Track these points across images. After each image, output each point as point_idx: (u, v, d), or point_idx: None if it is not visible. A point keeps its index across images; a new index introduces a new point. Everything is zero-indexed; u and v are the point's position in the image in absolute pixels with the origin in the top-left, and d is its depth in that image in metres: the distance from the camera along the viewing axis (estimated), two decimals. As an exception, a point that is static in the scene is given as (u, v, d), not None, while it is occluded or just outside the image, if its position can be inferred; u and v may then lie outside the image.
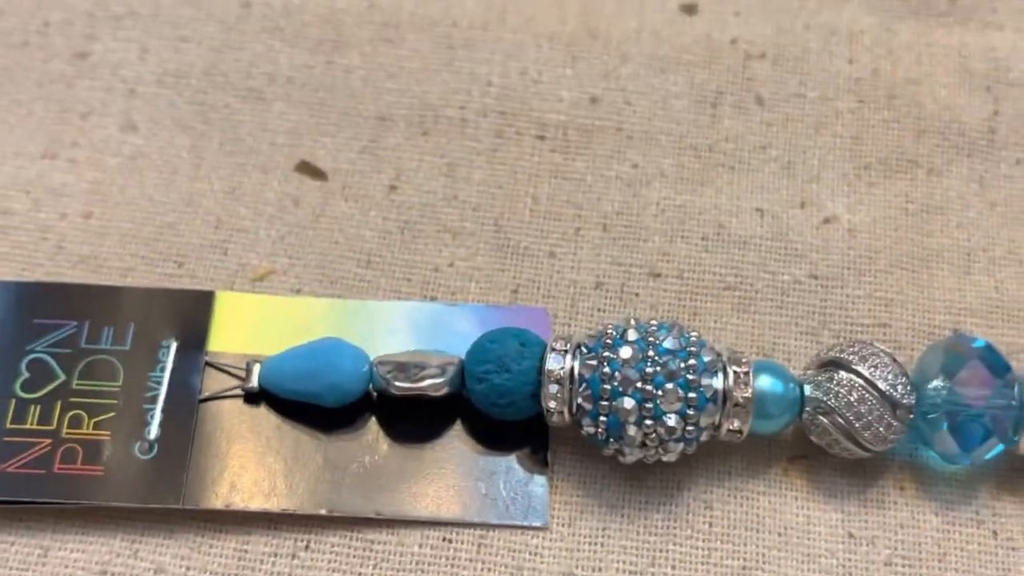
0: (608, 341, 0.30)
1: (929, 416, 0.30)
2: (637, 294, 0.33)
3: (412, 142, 0.36)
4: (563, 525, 0.30)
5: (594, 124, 0.36)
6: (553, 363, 0.30)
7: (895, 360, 0.30)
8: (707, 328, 0.33)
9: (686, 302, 0.33)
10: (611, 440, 0.29)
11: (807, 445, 0.31)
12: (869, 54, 0.37)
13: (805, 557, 0.30)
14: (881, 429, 0.30)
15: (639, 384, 0.29)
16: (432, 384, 0.30)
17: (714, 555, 0.30)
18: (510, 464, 0.31)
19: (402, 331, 0.32)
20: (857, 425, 0.29)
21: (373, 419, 0.31)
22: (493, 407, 0.30)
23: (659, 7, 0.38)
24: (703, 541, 0.30)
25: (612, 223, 0.34)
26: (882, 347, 0.30)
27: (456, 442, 0.31)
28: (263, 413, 0.31)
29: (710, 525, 0.30)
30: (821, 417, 0.30)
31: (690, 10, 0.38)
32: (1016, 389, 0.30)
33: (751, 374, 0.30)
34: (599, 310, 0.33)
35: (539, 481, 0.31)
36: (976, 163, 0.35)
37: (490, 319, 0.32)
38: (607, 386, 0.29)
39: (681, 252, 0.34)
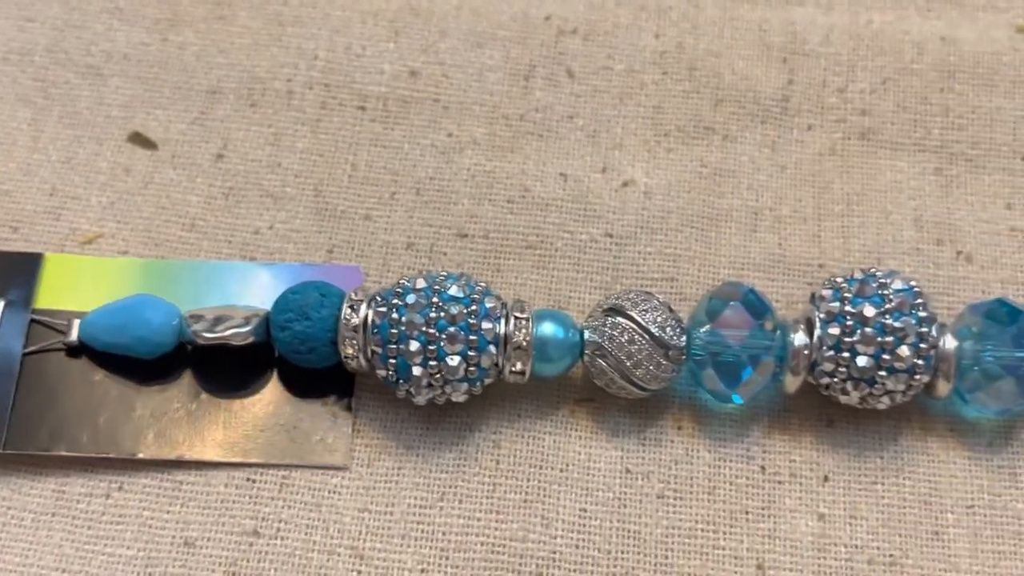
0: (399, 290, 0.32)
1: (696, 356, 0.32)
2: (445, 253, 0.36)
3: (240, 114, 0.38)
4: (362, 466, 0.33)
5: (413, 95, 0.38)
6: (349, 311, 0.32)
7: (669, 307, 0.33)
8: (508, 283, 0.35)
9: (490, 260, 0.36)
10: (400, 381, 0.32)
11: (594, 389, 0.33)
12: (675, 28, 0.39)
13: (583, 491, 0.32)
14: (652, 368, 0.32)
15: (423, 328, 0.31)
16: (236, 333, 0.33)
17: (498, 490, 0.32)
18: (316, 410, 0.33)
19: (219, 289, 0.34)
20: (629, 364, 0.32)
21: (189, 371, 0.34)
22: (296, 354, 0.32)
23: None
24: (489, 477, 0.32)
25: (425, 188, 0.37)
26: (659, 296, 0.33)
27: (268, 391, 0.33)
28: (84, 366, 0.33)
29: (497, 463, 0.32)
30: (599, 359, 0.32)
31: (509, -12, 0.40)
32: (778, 331, 0.32)
33: (532, 320, 0.32)
34: (409, 268, 0.35)
35: (342, 425, 0.33)
36: (769, 129, 0.38)
37: (304, 277, 0.34)
38: (395, 331, 0.31)
39: (488, 214, 0.36)
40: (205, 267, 0.35)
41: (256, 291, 0.34)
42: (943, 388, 0.32)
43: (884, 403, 0.32)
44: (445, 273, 0.32)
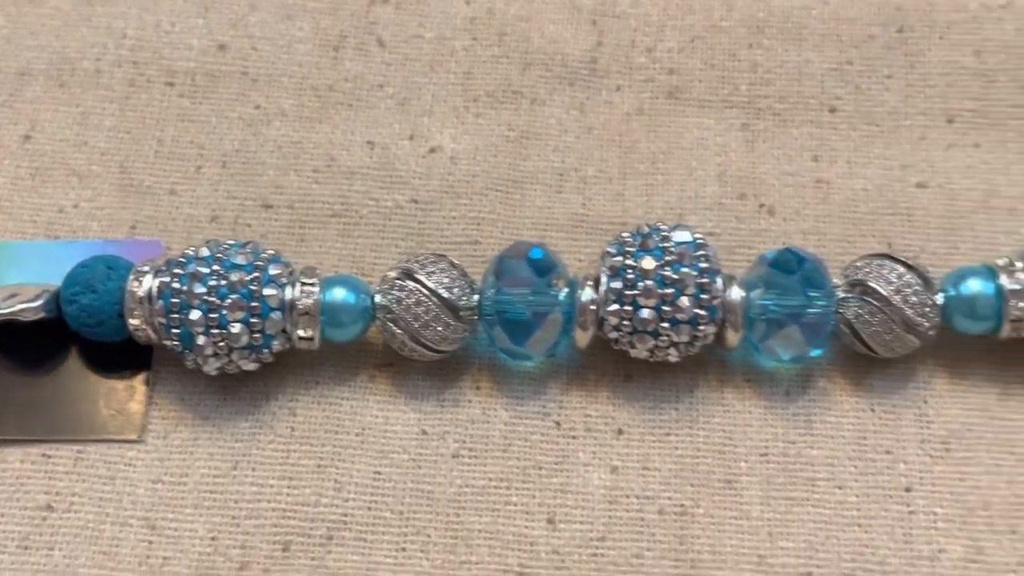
0: (182, 260, 0.32)
1: (487, 316, 0.32)
2: (250, 225, 0.36)
3: (49, 94, 0.37)
4: (158, 438, 0.33)
5: (221, 70, 0.38)
6: (134, 282, 0.32)
7: (461, 270, 0.33)
8: (312, 252, 0.35)
9: (295, 230, 0.35)
10: (186, 351, 0.32)
11: (395, 354, 0.33)
12: (487, -5, 0.40)
13: (378, 453, 0.32)
14: (441, 330, 0.32)
15: (205, 296, 0.31)
16: (26, 308, 0.32)
17: (292, 456, 0.32)
18: (113, 385, 0.33)
19: (21, 268, 0.34)
20: (418, 326, 0.32)
21: (-12, 349, 0.34)
22: (86, 328, 0.32)
23: (293, -41, 0.40)
24: (283, 444, 0.32)
25: (231, 160, 0.36)
26: (453, 259, 0.33)
27: (67, 367, 0.33)
28: None
29: (292, 429, 0.32)
30: (390, 323, 0.32)
31: (323, -39, 0.40)
32: (565, 288, 0.32)
33: (319, 286, 0.32)
34: (222, 238, 0.35)
35: (137, 398, 0.33)
36: (578, 91, 0.38)
37: (106, 253, 0.34)
38: (176, 300, 0.31)
39: (293, 184, 0.36)
40: (7, 247, 0.35)
41: (57, 270, 0.34)
42: (732, 338, 0.33)
43: (673, 355, 0.32)
44: (231, 242, 0.32)
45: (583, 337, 0.32)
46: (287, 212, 0.36)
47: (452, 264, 0.33)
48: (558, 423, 0.33)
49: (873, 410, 0.33)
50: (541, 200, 0.36)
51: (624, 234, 0.33)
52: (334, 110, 0.37)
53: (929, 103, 0.38)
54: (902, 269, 0.32)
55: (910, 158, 0.37)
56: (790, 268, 0.32)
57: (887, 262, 0.33)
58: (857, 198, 0.36)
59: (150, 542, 0.31)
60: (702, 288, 0.32)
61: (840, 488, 0.32)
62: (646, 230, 0.32)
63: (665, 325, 0.32)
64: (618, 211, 0.36)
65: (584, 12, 0.39)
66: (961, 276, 0.33)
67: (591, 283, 0.32)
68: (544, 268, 0.32)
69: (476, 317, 0.32)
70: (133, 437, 0.32)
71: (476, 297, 0.32)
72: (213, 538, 0.31)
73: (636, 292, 0.31)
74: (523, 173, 0.37)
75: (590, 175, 0.37)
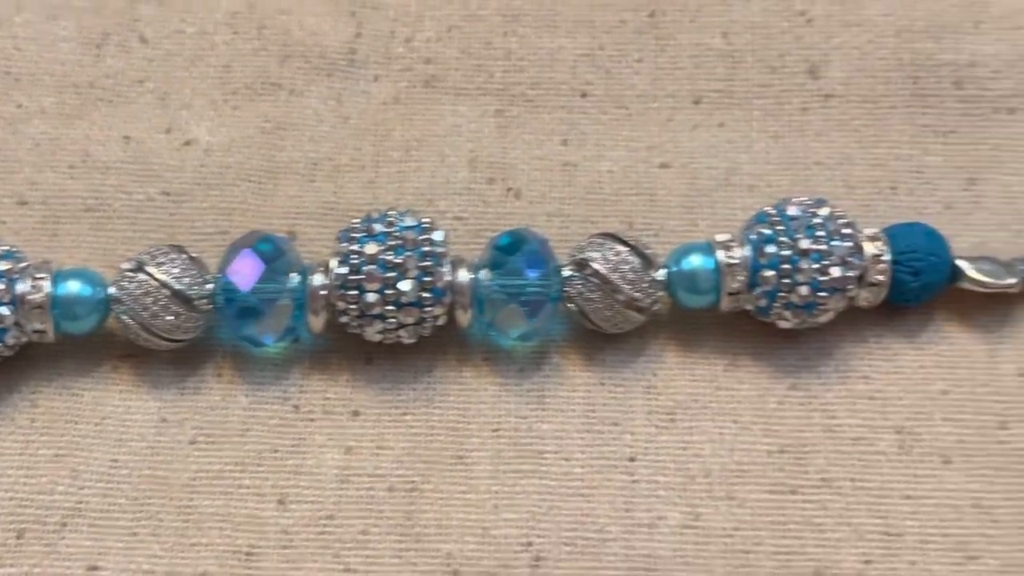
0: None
1: (219, 305, 0.33)
2: (4, 222, 0.36)
3: None
4: (-100, 433, 0.33)
5: (-18, 70, 0.39)
6: None
7: (198, 261, 0.33)
8: (64, 247, 0.36)
9: (48, 225, 0.36)
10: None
11: (137, 345, 0.34)
12: (245, -11, 0.40)
13: (116, 442, 0.33)
14: (174, 320, 0.33)
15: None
16: None
17: (31, 447, 0.33)
18: None
19: None
20: (148, 317, 0.33)
21: None
22: None
23: (60, -42, 0.41)
24: (23, 435, 0.33)
25: (-12, 159, 0.37)
26: (190, 251, 0.33)
27: None
28: None
29: (32, 421, 0.33)
30: (123, 315, 0.33)
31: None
32: (296, 276, 0.33)
33: (51, 280, 0.33)
34: (-33, 237, 0.36)
35: None
36: (336, 82, 0.39)
37: None
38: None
39: (48, 181, 0.37)
40: None
41: None
42: (463, 319, 0.33)
43: (405, 337, 0.33)
44: (-36, 237, 0.33)
45: (316, 322, 0.33)
46: (41, 208, 0.36)
47: (189, 256, 0.33)
48: (296, 407, 0.34)
49: (603, 384, 0.34)
50: (293, 190, 0.37)
51: (354, 221, 0.34)
52: (93, 107, 0.38)
53: (677, 85, 0.39)
54: (621, 247, 0.34)
55: (656, 139, 0.38)
56: (513, 249, 0.33)
57: (608, 241, 0.34)
58: (602, 180, 0.37)
59: None
60: (425, 271, 0.33)
61: (567, 460, 0.33)
62: (375, 216, 0.33)
63: (391, 308, 0.33)
64: (369, 198, 0.37)
65: (344, 4, 0.40)
66: (683, 252, 0.34)
67: (322, 269, 0.33)
68: (272, 255, 0.33)
69: (211, 306, 0.33)
70: None
71: (209, 286, 0.33)
72: (-52, 529, 0.32)
73: (361, 277, 0.32)
74: (276, 164, 0.37)
75: (343, 164, 0.37)
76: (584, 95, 0.39)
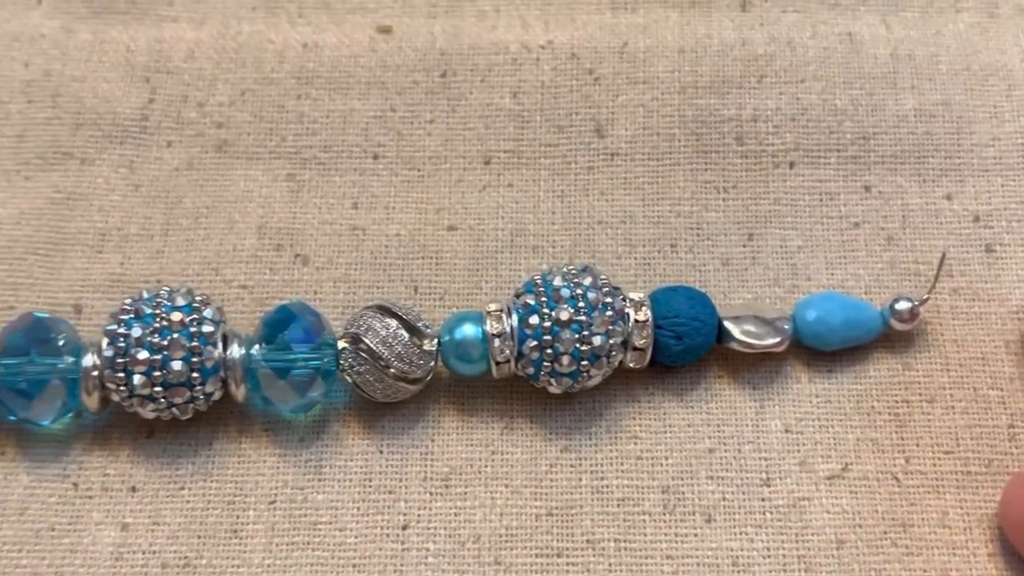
0: None
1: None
2: None
3: None
4: None
5: None
6: None
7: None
8: None
9: None
10: None
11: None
12: (44, 56, 0.40)
13: None
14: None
15: None
16: None
17: None
18: None
19: None
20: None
21: None
22: None
23: None
24: None
25: None
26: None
27: None
28: None
29: None
30: None
31: None
32: (69, 357, 0.34)
33: None
34: None
35: None
36: (128, 149, 0.39)
37: None
38: None
39: None
40: None
41: None
42: (238, 394, 0.34)
43: (178, 413, 0.34)
44: None
45: (91, 401, 0.34)
46: None
47: (-37, 336, 0.34)
48: (76, 484, 0.34)
49: (382, 451, 0.35)
50: (80, 262, 0.37)
51: (125, 301, 0.34)
52: None
53: (468, 145, 0.39)
54: (391, 321, 0.34)
55: (446, 201, 0.39)
56: (282, 325, 0.34)
57: (378, 314, 0.35)
58: (390, 243, 0.38)
59: None
60: (193, 352, 0.33)
61: (341, 530, 0.34)
62: (145, 296, 0.34)
63: (159, 389, 0.33)
64: (156, 269, 0.37)
65: (138, 69, 0.40)
66: (456, 322, 0.35)
67: (95, 349, 0.34)
68: (39, 338, 0.34)
69: (-13, 386, 0.34)
70: None
71: (-14, 367, 0.34)
72: None
73: (127, 359, 0.33)
74: (64, 235, 0.38)
75: (132, 233, 0.38)
76: (376, 157, 0.39)
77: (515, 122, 0.40)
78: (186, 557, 0.33)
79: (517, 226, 0.38)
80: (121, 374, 0.33)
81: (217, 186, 0.39)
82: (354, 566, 0.33)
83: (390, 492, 0.35)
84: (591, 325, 0.34)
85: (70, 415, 0.34)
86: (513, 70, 0.40)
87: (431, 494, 0.35)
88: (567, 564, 0.34)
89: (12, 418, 0.34)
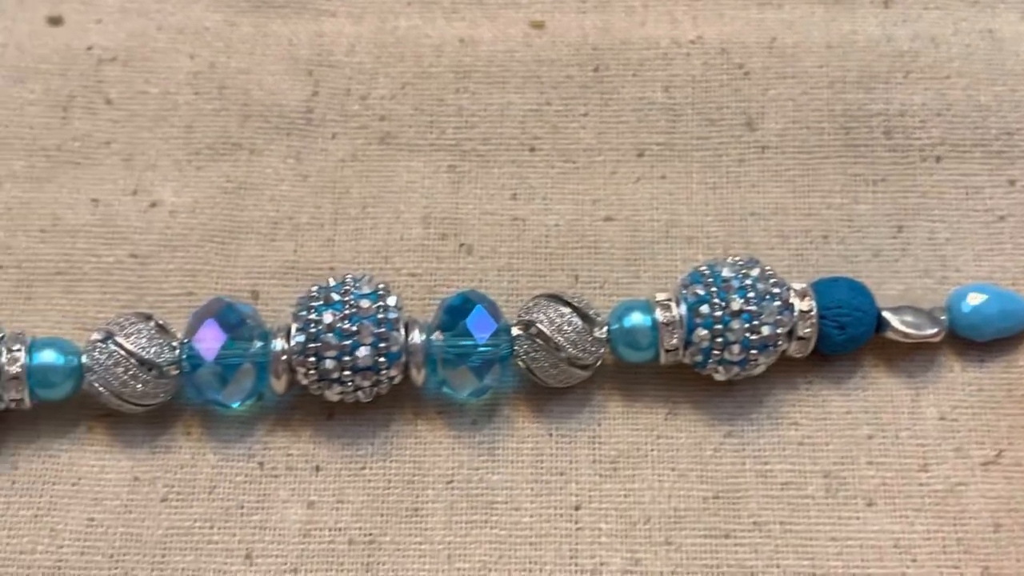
0: None
1: (185, 370, 0.35)
2: (-18, 287, 0.38)
3: None
4: None
5: (-46, 136, 0.40)
6: None
7: (163, 328, 0.35)
8: (38, 311, 0.37)
9: (22, 289, 0.38)
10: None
11: (111, 408, 0.36)
12: (209, 49, 0.41)
13: (92, 501, 0.35)
14: (141, 387, 0.35)
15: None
16: None
17: (12, 508, 0.35)
18: None
19: None
20: (117, 385, 0.34)
21: None
22: None
23: (26, 20, 0.42)
24: (4, 497, 0.35)
25: (-35, 227, 0.39)
26: (157, 317, 0.35)
27: None
28: None
29: (12, 482, 0.35)
30: (95, 384, 0.35)
31: (55, 21, 0.42)
32: (258, 342, 0.35)
33: (26, 350, 0.35)
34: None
35: None
36: (295, 140, 0.40)
37: None
38: None
39: (21, 245, 0.38)
40: None
41: None
42: (417, 378, 0.36)
43: (362, 397, 0.35)
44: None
45: (279, 384, 0.35)
46: (15, 272, 0.38)
47: (156, 323, 0.35)
48: (261, 464, 0.36)
49: (551, 435, 0.36)
50: (255, 249, 0.39)
51: (312, 288, 0.35)
52: (62, 169, 0.40)
53: (621, 138, 0.41)
54: (565, 309, 0.36)
55: (601, 192, 0.40)
56: (462, 312, 0.35)
57: (552, 303, 0.36)
58: (549, 234, 0.39)
59: None
60: (380, 337, 0.35)
61: (516, 509, 0.35)
62: (332, 283, 0.35)
63: (348, 373, 0.35)
64: (327, 256, 0.39)
65: (300, 63, 0.41)
66: (624, 310, 0.36)
67: (283, 334, 0.35)
68: (234, 323, 0.35)
69: (177, 372, 0.35)
70: None
71: (176, 353, 0.35)
72: (-66, 590, 0.34)
73: (318, 345, 0.34)
74: (238, 223, 0.39)
75: (303, 222, 0.39)
76: (532, 149, 0.40)
77: (667, 116, 0.41)
78: (371, 534, 0.35)
79: (671, 217, 0.39)
80: (312, 359, 0.34)
81: (381, 177, 0.40)
82: (531, 544, 0.35)
83: (561, 474, 0.36)
84: (760, 315, 0.35)
85: (256, 396, 0.36)
86: (664, 65, 0.41)
87: (600, 476, 0.36)
88: (735, 545, 0.35)
89: (202, 400, 0.36)
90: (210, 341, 0.35)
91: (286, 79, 0.41)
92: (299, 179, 0.40)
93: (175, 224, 0.39)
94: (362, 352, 0.34)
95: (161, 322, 0.35)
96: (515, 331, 0.36)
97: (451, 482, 0.36)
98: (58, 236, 0.39)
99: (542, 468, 0.36)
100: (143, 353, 0.35)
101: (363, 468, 0.36)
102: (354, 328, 0.34)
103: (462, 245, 0.39)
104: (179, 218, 0.39)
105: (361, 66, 0.41)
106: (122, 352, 0.35)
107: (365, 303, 0.35)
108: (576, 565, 0.35)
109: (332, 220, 0.39)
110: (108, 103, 0.41)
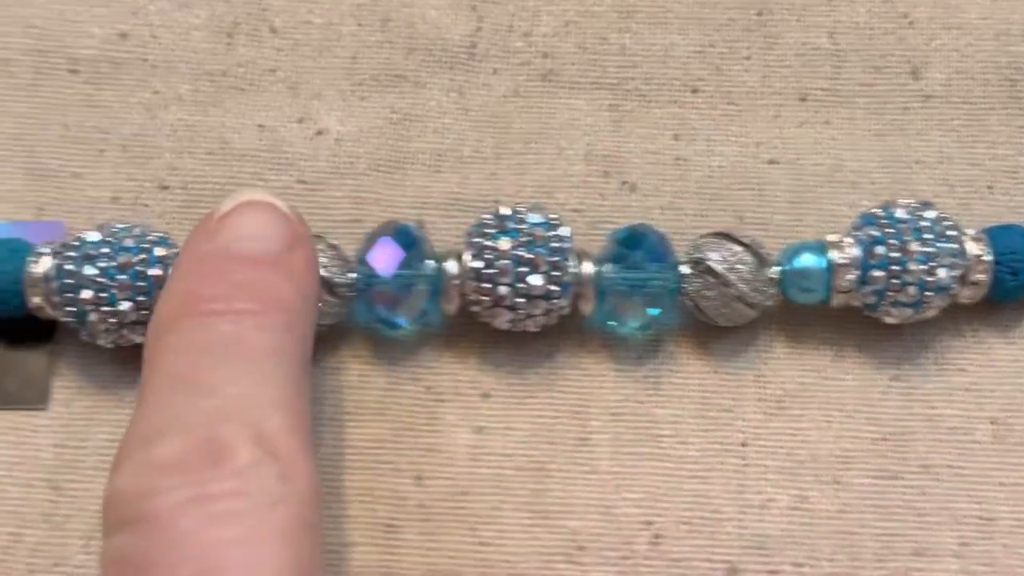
0: (75, 243, 0.35)
1: (360, 290, 0.35)
2: (147, 205, 0.38)
3: (-41, 82, 0.40)
4: (62, 406, 0.36)
5: (122, 57, 0.40)
6: (33, 263, 0.35)
7: (335, 248, 0.35)
8: (205, 231, 0.38)
9: (189, 210, 0.38)
10: (80, 327, 0.35)
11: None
12: (372, -18, 0.42)
13: (263, 418, 0.35)
14: (320, 305, 0.34)
15: (96, 277, 0.34)
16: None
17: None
18: (17, 357, 0.36)
19: (-69, 249, 0.37)
20: (295, 304, 0.35)
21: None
22: (-11, 305, 0.35)
23: (191, -52, 0.42)
24: (176, 410, 0.35)
25: (131, 144, 0.39)
26: (328, 239, 0.35)
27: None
28: None
29: (185, 397, 0.36)
30: (270, 300, 0.35)
31: (220, -51, 0.42)
32: (430, 263, 0.35)
33: (204, 266, 0.35)
34: (114, 222, 0.38)
35: (40, 368, 0.36)
36: (457, 75, 0.40)
37: (8, 234, 0.37)
38: (70, 280, 0.34)
39: (188, 166, 0.39)
40: (-83, 230, 0.38)
41: (-34, 251, 0.37)
42: (586, 309, 0.36)
43: (531, 326, 0.35)
44: (121, 225, 0.35)
45: (449, 308, 0.35)
46: (182, 193, 0.38)
47: (328, 244, 0.36)
48: (428, 387, 0.36)
49: (716, 372, 0.36)
50: (420, 180, 0.39)
51: (485, 216, 0.35)
52: (227, 95, 0.40)
53: (784, 83, 0.40)
54: (737, 247, 0.35)
55: (764, 135, 0.39)
56: (635, 244, 0.35)
57: (724, 241, 0.36)
58: (713, 175, 0.39)
59: (54, 502, 0.34)
60: (554, 266, 0.35)
61: (683, 443, 0.35)
62: (506, 212, 0.35)
63: (520, 300, 0.35)
64: (491, 189, 0.39)
65: (464, -2, 0.42)
66: (795, 251, 0.36)
67: (455, 259, 0.35)
68: (409, 243, 0.35)
69: (352, 293, 0.35)
70: (36, 404, 0.36)
71: (351, 274, 0.35)
72: (111, 497, 0.34)
73: (494, 271, 0.34)
74: (404, 154, 0.39)
75: (466, 155, 0.39)
76: (695, 91, 0.40)
77: (831, 61, 0.40)
78: (539, 462, 0.35)
79: (835, 162, 0.39)
80: (488, 285, 0.35)
81: (543, 113, 0.40)
82: (699, 478, 0.35)
83: (727, 411, 0.36)
84: (937, 256, 0.35)
85: (423, 320, 0.36)
86: (829, 11, 0.41)
87: (766, 414, 0.36)
88: (904, 487, 0.35)
89: (372, 320, 0.36)
90: (387, 258, 0.35)
91: (448, 13, 0.41)
92: (461, 112, 0.40)
93: (341, 152, 0.39)
94: (536, 280, 0.35)
95: (334, 243, 0.36)
96: (685, 268, 0.36)
97: (616, 414, 0.36)
98: (225, 159, 0.39)
99: (707, 404, 0.36)
100: (324, 272, 0.35)
101: (529, 397, 0.36)
102: (530, 255, 0.35)
103: (624, 183, 0.39)
104: (344, 146, 0.39)
105: (524, 3, 0.41)
106: (300, 271, 0.35)
107: (539, 231, 0.35)
108: (744, 500, 0.34)
109: (495, 154, 0.39)
110: (272, 31, 0.41)
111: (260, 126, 0.39)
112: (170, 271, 0.34)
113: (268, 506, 0.28)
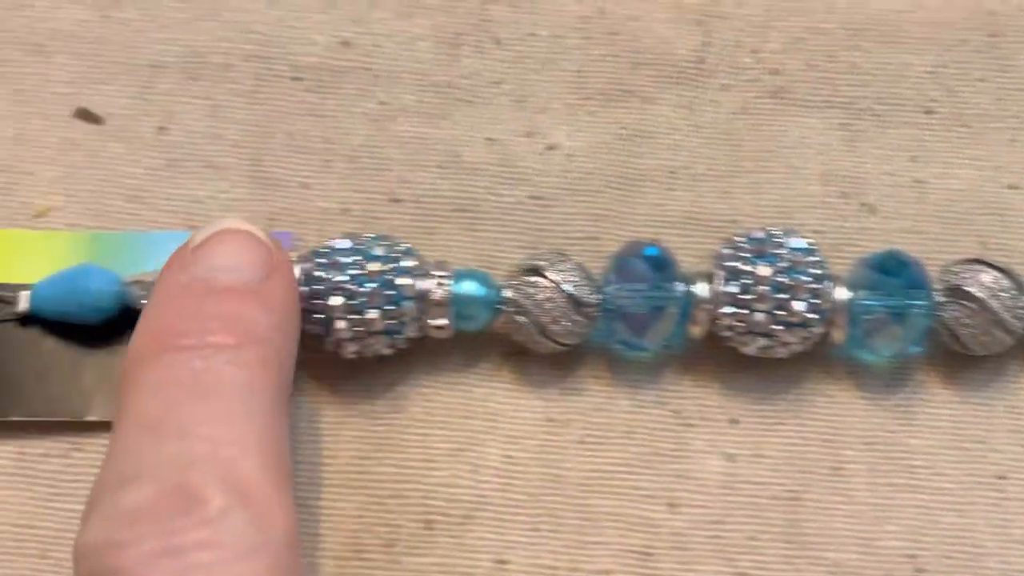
0: (324, 251, 0.34)
1: (608, 311, 0.34)
2: (378, 218, 0.38)
3: (181, 87, 0.39)
4: (303, 421, 0.35)
5: (345, 65, 0.40)
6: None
7: (582, 267, 0.35)
8: (438, 246, 0.37)
9: (421, 223, 0.37)
10: (326, 335, 0.34)
11: (517, 344, 0.35)
12: (595, -6, 0.41)
13: (508, 438, 0.34)
14: (568, 324, 0.34)
15: (346, 285, 0.33)
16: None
17: (429, 439, 0.35)
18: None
19: (162, 258, 0.36)
20: (546, 321, 0.34)
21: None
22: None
23: (409, -44, 0.42)
24: (420, 428, 0.35)
25: (358, 155, 0.38)
26: (573, 257, 0.35)
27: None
28: (35, 335, 0.35)
29: (428, 414, 0.35)
30: (520, 318, 0.34)
31: (437, -42, 0.42)
32: (680, 284, 0.34)
33: (452, 279, 0.34)
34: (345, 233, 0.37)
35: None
36: (685, 90, 0.40)
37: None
38: (319, 287, 0.33)
39: (419, 179, 0.38)
40: (148, 237, 0.37)
41: (199, 259, 0.36)
42: (838, 336, 0.35)
43: (782, 353, 0.34)
44: (370, 235, 0.35)
45: (697, 331, 0.35)
46: (413, 206, 0.38)
47: (574, 263, 0.35)
48: (676, 412, 0.35)
49: (966, 403, 0.35)
50: (654, 198, 0.38)
51: (738, 237, 0.35)
52: (454, 107, 0.39)
53: (1020, 106, 0.39)
54: (995, 273, 0.35)
55: (1002, 160, 0.39)
56: (894, 271, 0.35)
57: (980, 266, 0.35)
58: (953, 198, 0.38)
59: (301, 520, 0.34)
60: (814, 293, 0.34)
61: (938, 475, 0.34)
62: (760, 235, 0.35)
63: (778, 327, 0.34)
64: (727, 209, 0.38)
65: (690, 12, 0.41)
66: (1057, 279, 0.35)
67: (705, 281, 0.35)
68: (660, 264, 0.34)
69: (598, 313, 0.35)
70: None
71: (599, 294, 0.35)
72: (359, 516, 0.33)
73: (751, 297, 0.34)
74: (636, 171, 0.38)
75: (699, 173, 0.38)
76: (929, 112, 0.39)
77: (1068, 86, 0.40)
78: (793, 491, 0.34)
79: (1077, 189, 0.38)
80: (744, 310, 0.34)
81: (774, 131, 0.39)
82: (956, 511, 0.34)
83: (980, 442, 0.35)
84: None
85: (667, 343, 0.35)
86: (1065, 33, 0.40)
87: (1022, 446, 0.35)
88: None
89: (616, 342, 0.35)
90: (639, 281, 0.34)
91: (674, 27, 0.40)
92: (692, 129, 0.39)
93: (573, 168, 0.38)
94: (797, 307, 0.34)
95: (579, 261, 0.35)
96: (941, 296, 0.35)
97: (870, 443, 0.35)
98: (457, 173, 0.38)
99: (959, 435, 0.35)
100: (574, 291, 0.34)
101: (778, 423, 0.35)
102: (791, 282, 0.34)
103: (863, 204, 0.38)
104: (576, 162, 0.39)
105: (751, 19, 0.40)
106: (552, 288, 0.34)
107: (799, 256, 0.34)
108: (1008, 535, 0.33)
109: (728, 172, 0.38)
110: (496, 43, 0.40)
111: (489, 139, 0.39)
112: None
113: (241, 556, 0.27)
